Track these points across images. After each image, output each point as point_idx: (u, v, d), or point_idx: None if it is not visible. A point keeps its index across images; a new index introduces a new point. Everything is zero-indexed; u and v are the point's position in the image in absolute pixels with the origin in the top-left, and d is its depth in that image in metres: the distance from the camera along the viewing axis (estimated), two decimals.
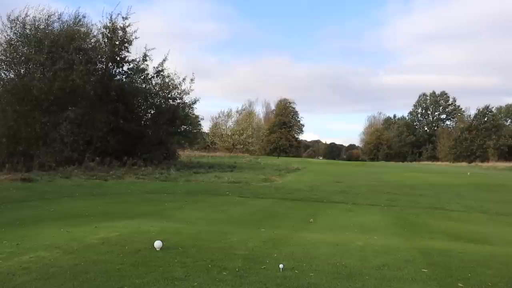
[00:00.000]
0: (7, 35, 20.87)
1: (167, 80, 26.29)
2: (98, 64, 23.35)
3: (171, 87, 26.34)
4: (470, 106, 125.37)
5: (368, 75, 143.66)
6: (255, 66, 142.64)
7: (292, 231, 7.43)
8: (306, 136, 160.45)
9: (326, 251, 5.46)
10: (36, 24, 21.49)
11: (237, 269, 4.36)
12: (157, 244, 5.09)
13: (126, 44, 23.59)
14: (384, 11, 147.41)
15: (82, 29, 23.46)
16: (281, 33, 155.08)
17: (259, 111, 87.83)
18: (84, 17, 24.26)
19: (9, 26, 20.86)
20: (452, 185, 20.75)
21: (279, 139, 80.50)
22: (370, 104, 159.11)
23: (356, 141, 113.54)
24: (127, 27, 23.45)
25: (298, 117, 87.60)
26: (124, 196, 12.69)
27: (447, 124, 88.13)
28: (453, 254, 5.57)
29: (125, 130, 22.63)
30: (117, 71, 24.74)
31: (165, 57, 25.87)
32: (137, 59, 24.52)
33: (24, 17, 21.11)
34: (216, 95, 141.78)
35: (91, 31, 23.95)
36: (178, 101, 26.95)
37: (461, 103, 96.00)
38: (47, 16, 21.94)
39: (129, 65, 24.50)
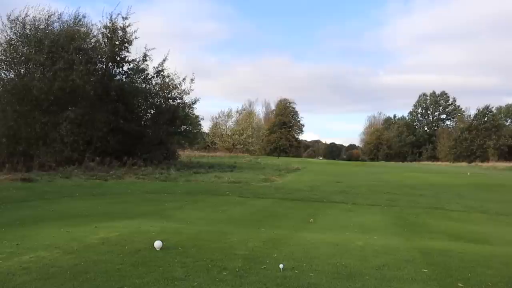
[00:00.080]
0: (7, 35, 20.90)
1: (167, 80, 26.30)
2: (98, 64, 23.36)
3: (171, 87, 26.35)
4: (470, 106, 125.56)
5: (368, 75, 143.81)
6: (255, 66, 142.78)
7: (292, 231, 7.42)
8: (306, 136, 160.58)
9: (326, 251, 5.46)
10: (36, 24, 21.49)
11: (237, 269, 4.36)
12: (157, 244, 5.09)
13: (126, 44, 23.60)
14: (384, 11, 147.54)
15: (82, 29, 23.46)
16: (281, 33, 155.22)
17: (259, 111, 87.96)
18: (84, 17, 24.30)
19: (9, 26, 20.88)
20: (452, 185, 20.74)
21: (279, 139, 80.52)
22: (370, 104, 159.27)
23: (356, 141, 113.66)
24: (127, 27, 23.47)
25: (298, 117, 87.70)
26: (124, 196, 12.69)
27: (447, 124, 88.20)
28: (453, 254, 5.57)
29: (125, 130, 22.64)
30: (117, 71, 24.75)
31: (165, 57, 25.92)
32: (137, 59, 24.56)
33: (24, 17, 21.13)
34: (216, 95, 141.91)
35: (91, 31, 23.97)
36: (178, 101, 26.97)
37: (461, 103, 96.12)
38: (47, 16, 21.96)
39: (129, 65, 24.52)
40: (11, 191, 12.26)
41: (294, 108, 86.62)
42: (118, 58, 23.67)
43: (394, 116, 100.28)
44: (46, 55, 20.45)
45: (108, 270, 4.19)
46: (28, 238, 5.88)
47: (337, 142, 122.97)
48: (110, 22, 23.33)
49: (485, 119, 70.65)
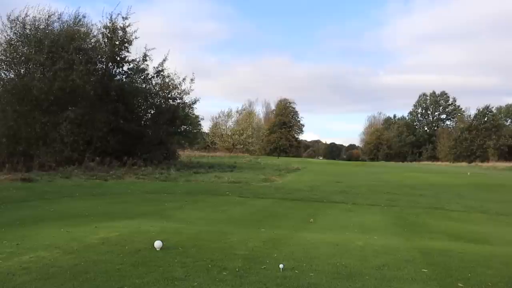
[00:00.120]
0: (7, 35, 20.90)
1: (167, 80, 26.30)
2: (98, 64, 23.36)
3: (171, 87, 26.35)
4: (470, 106, 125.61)
5: (368, 75, 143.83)
6: (255, 66, 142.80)
7: (292, 231, 7.42)
8: (306, 136, 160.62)
9: (326, 251, 5.46)
10: (36, 24, 21.49)
11: (237, 269, 4.36)
12: (157, 244, 5.09)
13: (126, 44, 23.61)
14: (384, 11, 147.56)
15: (82, 29, 23.46)
16: (281, 33, 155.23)
17: (259, 111, 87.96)
18: (84, 17, 24.30)
19: (9, 26, 20.88)
20: (452, 185, 20.75)
21: (279, 139, 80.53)
22: (370, 104, 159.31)
23: (356, 141, 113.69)
24: (127, 27, 23.47)
25: (298, 117, 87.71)
26: (124, 196, 12.69)
27: (447, 124, 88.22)
28: (453, 254, 5.57)
29: (125, 130, 22.64)
30: (117, 71, 24.76)
31: (165, 57, 25.92)
32: (137, 59, 24.56)
33: (24, 17, 21.13)
34: (216, 95, 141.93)
35: (91, 31, 23.97)
36: (178, 101, 26.97)
37: (461, 103, 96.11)
38: (47, 16, 21.96)
39: (129, 65, 24.52)
40: (11, 191, 12.26)
41: (294, 108, 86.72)
42: (118, 58, 23.68)
43: (394, 116, 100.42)
44: (46, 55, 20.45)
45: (108, 270, 4.19)
46: (28, 238, 5.88)
47: (337, 142, 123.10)
48: (110, 22, 23.35)
49: (485, 119, 70.66)
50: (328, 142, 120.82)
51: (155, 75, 25.88)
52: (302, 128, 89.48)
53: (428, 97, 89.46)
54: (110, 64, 23.93)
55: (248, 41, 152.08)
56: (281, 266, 4.41)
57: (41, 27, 21.63)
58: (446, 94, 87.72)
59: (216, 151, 56.03)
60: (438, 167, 50.61)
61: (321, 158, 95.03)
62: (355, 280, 4.16)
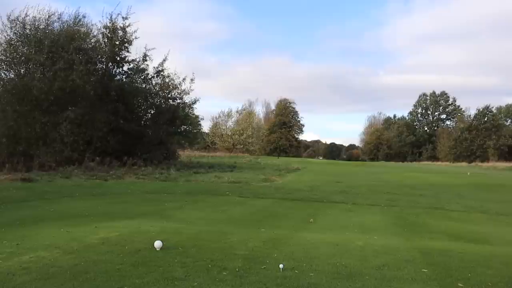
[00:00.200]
0: (7, 35, 20.90)
1: (167, 80, 26.30)
2: (98, 64, 23.36)
3: (171, 87, 26.35)
4: (470, 106, 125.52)
5: (368, 75, 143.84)
6: (255, 66, 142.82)
7: (292, 231, 7.42)
8: (306, 136, 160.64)
9: (326, 251, 5.46)
10: (36, 24, 21.49)
11: (237, 269, 4.36)
12: (157, 244, 5.09)
13: (126, 44, 23.61)
14: (384, 11, 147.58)
15: (82, 29, 23.46)
16: (281, 33, 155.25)
17: (259, 111, 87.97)
18: (84, 17, 24.30)
19: (9, 26, 20.87)
20: (452, 185, 20.75)
21: (279, 139, 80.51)
22: (370, 104, 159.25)
23: (356, 141, 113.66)
24: (127, 27, 23.47)
25: (298, 117, 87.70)
26: (124, 196, 12.68)
27: (447, 124, 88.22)
28: (453, 254, 5.57)
29: (125, 130, 22.64)
30: (117, 71, 24.75)
31: (165, 57, 25.91)
32: (137, 59, 24.56)
33: (24, 17, 21.13)
34: (216, 95, 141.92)
35: (91, 31, 23.97)
36: (178, 101, 26.97)
37: (461, 103, 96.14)
38: (47, 16, 21.95)
39: (129, 65, 24.52)
40: (11, 191, 12.26)
41: (294, 108, 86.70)
42: (118, 58, 23.67)
43: (394, 116, 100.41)
44: (46, 55, 20.45)
45: (108, 270, 4.19)
46: (28, 238, 5.87)
47: (337, 142, 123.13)
48: (110, 22, 23.35)
49: (485, 119, 70.66)
50: (328, 142, 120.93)
51: (155, 75, 25.89)
52: (302, 128, 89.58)
53: (428, 97, 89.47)
54: (110, 64, 23.93)
55: (248, 41, 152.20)
56: (281, 266, 4.41)
57: (41, 27, 21.63)
58: (446, 94, 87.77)
59: (216, 151, 56.02)
60: (438, 167, 50.60)
61: (321, 158, 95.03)
62: (355, 280, 4.16)
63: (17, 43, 21.11)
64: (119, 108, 22.44)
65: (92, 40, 23.64)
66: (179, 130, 27.32)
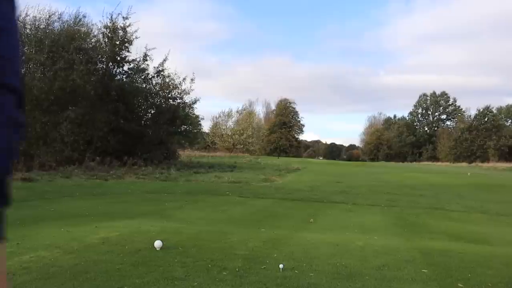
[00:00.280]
0: None
1: (167, 80, 26.31)
2: (99, 64, 23.36)
3: (171, 87, 26.36)
4: (471, 107, 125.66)
5: (368, 75, 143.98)
6: (256, 66, 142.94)
7: (292, 231, 7.42)
8: (306, 136, 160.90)
9: (326, 251, 5.46)
10: (37, 24, 21.52)
11: (237, 269, 4.36)
12: (157, 244, 5.09)
13: (126, 44, 23.60)
14: (384, 11, 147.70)
15: (83, 29, 23.48)
16: (282, 33, 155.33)
17: (260, 111, 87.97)
18: (84, 17, 24.32)
19: None
20: (452, 185, 20.74)
21: (279, 139, 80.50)
22: (370, 104, 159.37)
23: (356, 141, 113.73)
24: (127, 27, 23.47)
25: (298, 117, 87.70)
26: (124, 196, 12.68)
27: (447, 125, 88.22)
28: (453, 255, 5.57)
29: (126, 130, 22.64)
30: (118, 71, 24.74)
31: (166, 57, 25.92)
32: (138, 59, 24.56)
33: (24, 17, 21.13)
34: (217, 95, 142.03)
35: (91, 31, 24.00)
36: (179, 101, 26.98)
37: (462, 103, 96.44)
38: (47, 16, 21.99)
39: (130, 65, 24.51)
40: (11, 191, 12.25)
41: (294, 108, 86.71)
42: (118, 58, 23.67)
43: (394, 116, 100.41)
44: (46, 55, 20.45)
45: (108, 270, 4.19)
46: (28, 238, 5.88)
47: (337, 142, 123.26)
48: (110, 22, 23.35)
49: (486, 120, 70.67)
50: (328, 142, 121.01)
51: (155, 75, 25.90)
52: (302, 128, 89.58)
53: (428, 97, 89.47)
54: (111, 64, 23.93)
55: (249, 41, 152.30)
56: (281, 266, 4.41)
57: (42, 26, 21.65)
58: (446, 94, 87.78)
59: (216, 151, 56.02)
60: (438, 167, 50.58)
61: (321, 158, 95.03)
62: (355, 281, 4.16)
63: None
64: (119, 108, 22.44)
65: (92, 40, 23.65)
66: (179, 130, 27.33)
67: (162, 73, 25.96)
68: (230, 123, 64.11)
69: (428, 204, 12.80)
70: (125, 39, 23.50)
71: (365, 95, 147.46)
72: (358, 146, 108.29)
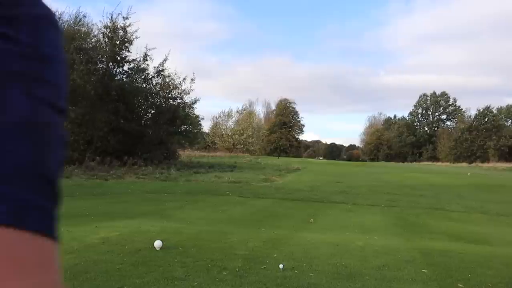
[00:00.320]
0: None
1: (167, 80, 26.31)
2: (99, 64, 23.36)
3: (171, 87, 26.36)
4: (471, 107, 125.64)
5: (369, 75, 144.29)
6: (256, 66, 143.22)
7: (292, 231, 7.42)
8: (306, 136, 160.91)
9: (326, 251, 5.46)
10: None
11: (237, 269, 4.36)
12: (157, 243, 5.09)
13: (126, 44, 23.60)
14: (385, 11, 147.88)
15: (83, 29, 23.51)
16: (282, 33, 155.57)
17: (260, 111, 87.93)
18: (84, 16, 24.39)
19: None
20: (452, 185, 20.74)
21: (279, 139, 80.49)
22: (370, 104, 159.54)
23: (357, 141, 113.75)
24: (127, 26, 23.46)
25: (298, 117, 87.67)
26: (124, 195, 12.68)
27: (447, 125, 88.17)
28: (453, 255, 5.57)
29: (126, 130, 22.64)
30: (118, 70, 24.74)
31: (166, 57, 25.90)
32: (138, 59, 24.55)
33: None
34: (217, 95, 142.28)
35: (91, 30, 24.02)
36: (179, 101, 26.98)
37: (462, 103, 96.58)
38: None
39: (130, 64, 24.50)
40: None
41: (294, 108, 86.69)
42: (118, 58, 23.66)
43: (395, 116, 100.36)
44: None
45: (108, 269, 4.19)
46: None
47: (337, 142, 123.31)
48: (110, 22, 23.34)
49: (486, 120, 70.66)
50: (328, 142, 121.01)
51: (155, 75, 25.89)
52: (302, 128, 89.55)
53: (428, 98, 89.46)
54: (111, 63, 23.92)
55: (249, 41, 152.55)
56: (281, 266, 4.41)
57: None
58: (446, 94, 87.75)
59: (216, 151, 56.00)
60: (439, 167, 50.58)
61: (321, 158, 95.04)
62: (355, 281, 4.16)
63: None
64: (119, 108, 22.44)
65: (92, 40, 23.66)
66: (179, 130, 27.32)
67: (162, 73, 25.96)
68: (230, 123, 64.19)
69: (428, 204, 12.80)
70: (125, 39, 23.50)
71: (365, 95, 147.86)
72: (358, 146, 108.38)
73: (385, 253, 5.46)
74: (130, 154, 21.91)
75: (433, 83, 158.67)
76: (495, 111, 73.53)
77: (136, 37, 23.65)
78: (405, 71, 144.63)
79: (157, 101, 26.34)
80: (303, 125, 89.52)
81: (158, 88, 26.29)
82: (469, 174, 31.20)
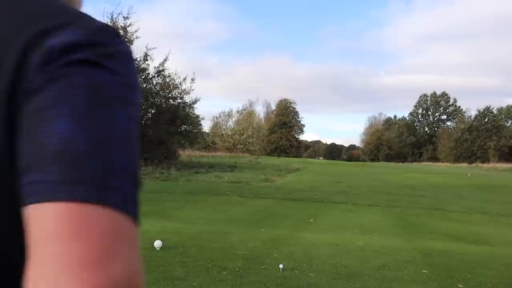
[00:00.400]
0: None
1: (168, 79, 26.31)
2: None
3: (171, 86, 26.37)
4: (471, 107, 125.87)
5: (369, 75, 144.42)
6: (256, 66, 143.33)
7: (292, 231, 7.42)
8: (307, 136, 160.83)
9: (326, 251, 5.46)
10: None
11: (237, 269, 4.36)
12: (157, 243, 5.09)
13: (127, 44, 23.60)
14: (384, 11, 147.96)
15: None
16: (282, 33, 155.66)
17: (260, 111, 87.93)
18: None
19: None
20: (452, 186, 20.74)
21: (279, 139, 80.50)
22: (371, 105, 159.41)
23: (357, 142, 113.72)
24: (128, 26, 23.47)
25: (298, 117, 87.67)
26: None
27: (447, 125, 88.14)
28: (453, 255, 5.57)
29: None
30: None
31: (166, 57, 25.89)
32: (138, 59, 24.53)
33: None
34: (217, 95, 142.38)
35: None
36: (179, 100, 26.98)
37: (462, 103, 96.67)
38: None
39: None
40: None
41: (294, 108, 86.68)
42: None
43: (395, 116, 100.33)
44: None
45: None
46: None
47: (338, 143, 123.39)
48: (111, 22, 23.32)
49: (486, 120, 70.69)
50: (329, 143, 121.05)
51: (156, 74, 25.90)
52: (302, 128, 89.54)
53: (428, 98, 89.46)
54: None
55: (249, 41, 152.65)
56: (281, 266, 4.41)
57: None
58: (446, 94, 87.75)
59: (217, 151, 55.99)
60: (439, 168, 50.56)
61: (321, 158, 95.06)
62: (355, 281, 4.16)
63: None
64: None
65: None
66: (179, 130, 27.33)
67: (162, 73, 25.97)
68: (230, 123, 64.17)
69: (428, 205, 12.80)
70: (126, 39, 23.50)
71: (365, 95, 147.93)
72: (358, 146, 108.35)
73: (385, 253, 5.46)
74: None
75: (433, 83, 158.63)
76: (495, 112, 73.56)
77: (137, 37, 23.67)
78: (405, 71, 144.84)
79: (157, 101, 26.34)
80: (303, 125, 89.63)
81: (158, 88, 26.30)
82: (469, 174, 31.20)
